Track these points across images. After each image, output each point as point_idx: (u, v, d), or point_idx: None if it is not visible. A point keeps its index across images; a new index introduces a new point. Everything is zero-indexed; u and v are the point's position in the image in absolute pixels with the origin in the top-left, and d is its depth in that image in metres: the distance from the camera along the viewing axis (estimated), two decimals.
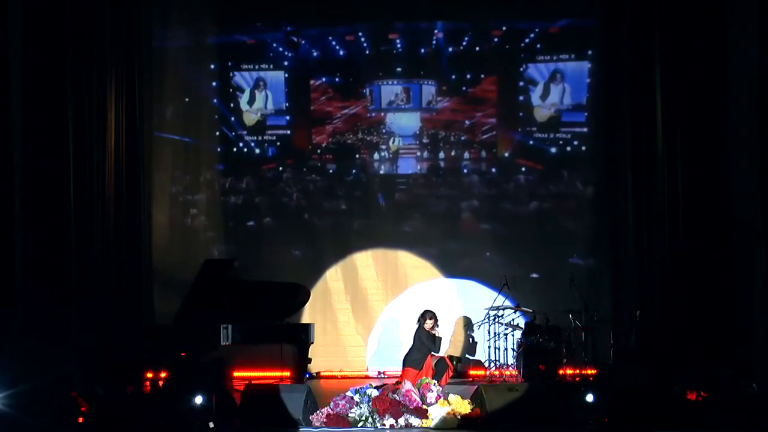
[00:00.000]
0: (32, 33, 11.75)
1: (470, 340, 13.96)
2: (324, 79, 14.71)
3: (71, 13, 12.19)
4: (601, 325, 12.95)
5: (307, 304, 13.62)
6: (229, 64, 14.87)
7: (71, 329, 11.86)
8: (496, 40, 14.51)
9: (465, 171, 14.66)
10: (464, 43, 14.52)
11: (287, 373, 13.11)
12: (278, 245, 14.70)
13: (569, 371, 12.60)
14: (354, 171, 14.73)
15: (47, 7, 11.91)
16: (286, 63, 14.80)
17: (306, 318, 13.95)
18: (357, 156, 14.68)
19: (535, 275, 14.17)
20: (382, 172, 14.71)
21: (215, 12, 14.83)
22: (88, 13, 12.49)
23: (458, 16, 14.58)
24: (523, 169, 14.61)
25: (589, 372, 12.69)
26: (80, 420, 10.43)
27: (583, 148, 14.50)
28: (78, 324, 11.99)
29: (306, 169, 14.77)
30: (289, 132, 14.85)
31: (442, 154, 14.60)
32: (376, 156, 14.64)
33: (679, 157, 12.44)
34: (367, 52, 14.58)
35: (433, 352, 11.86)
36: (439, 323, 12.06)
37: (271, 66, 14.82)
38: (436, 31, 14.55)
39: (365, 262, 14.65)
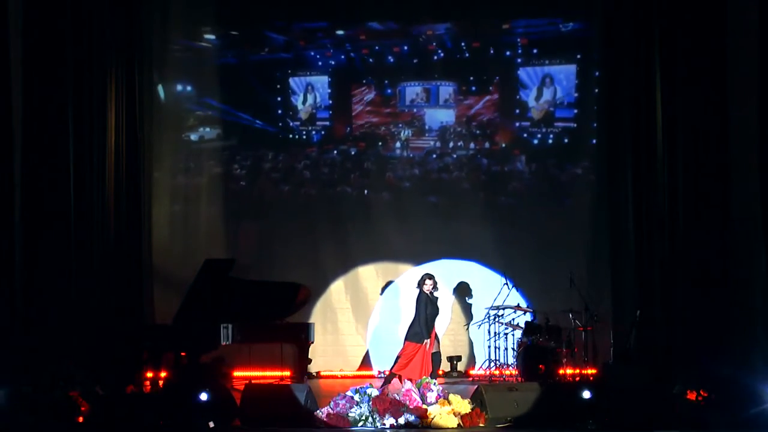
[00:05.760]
0: (32, 33, 11.75)
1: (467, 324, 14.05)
2: (364, 81, 15.10)
3: (72, 13, 12.19)
4: (601, 325, 12.95)
5: (306, 304, 13.63)
6: (279, 74, 15.04)
7: (71, 329, 11.86)
8: (493, 44, 14.83)
9: (470, 166, 14.79)
10: (471, 47, 14.88)
11: (287, 373, 13.13)
12: (279, 244, 14.68)
13: (569, 371, 12.60)
14: (371, 156, 15.00)
15: (47, 7, 11.90)
16: (329, 69, 15.07)
17: (306, 317, 13.95)
18: (380, 144, 15.02)
19: (534, 275, 14.15)
20: (396, 157, 15.00)
21: (217, 13, 14.90)
22: (88, 13, 12.50)
23: (463, 20, 14.80)
24: (524, 168, 14.64)
25: (589, 372, 12.70)
26: (80, 420, 10.43)
27: (586, 140, 14.54)
28: (78, 323, 11.99)
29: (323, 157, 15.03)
30: (329, 123, 15.11)
31: (451, 145, 14.95)
32: (397, 144, 15.03)
33: (679, 157, 12.42)
34: (391, 59, 14.97)
35: (425, 327, 11.97)
36: (438, 287, 12.24)
37: (314, 72, 15.17)
38: (443, 37, 14.94)
39: (366, 261, 14.66)
